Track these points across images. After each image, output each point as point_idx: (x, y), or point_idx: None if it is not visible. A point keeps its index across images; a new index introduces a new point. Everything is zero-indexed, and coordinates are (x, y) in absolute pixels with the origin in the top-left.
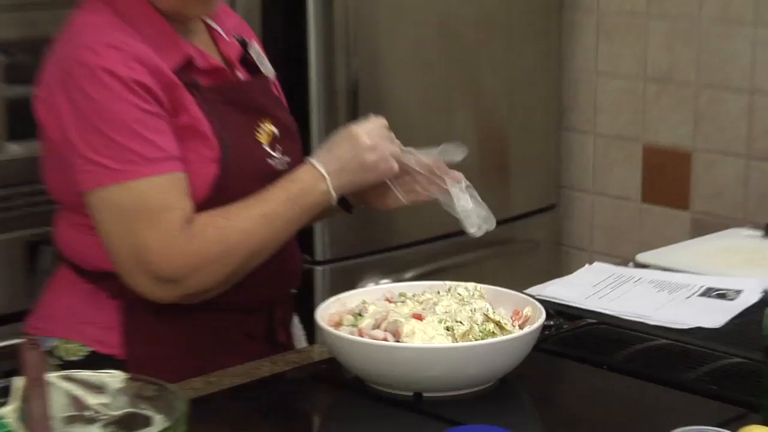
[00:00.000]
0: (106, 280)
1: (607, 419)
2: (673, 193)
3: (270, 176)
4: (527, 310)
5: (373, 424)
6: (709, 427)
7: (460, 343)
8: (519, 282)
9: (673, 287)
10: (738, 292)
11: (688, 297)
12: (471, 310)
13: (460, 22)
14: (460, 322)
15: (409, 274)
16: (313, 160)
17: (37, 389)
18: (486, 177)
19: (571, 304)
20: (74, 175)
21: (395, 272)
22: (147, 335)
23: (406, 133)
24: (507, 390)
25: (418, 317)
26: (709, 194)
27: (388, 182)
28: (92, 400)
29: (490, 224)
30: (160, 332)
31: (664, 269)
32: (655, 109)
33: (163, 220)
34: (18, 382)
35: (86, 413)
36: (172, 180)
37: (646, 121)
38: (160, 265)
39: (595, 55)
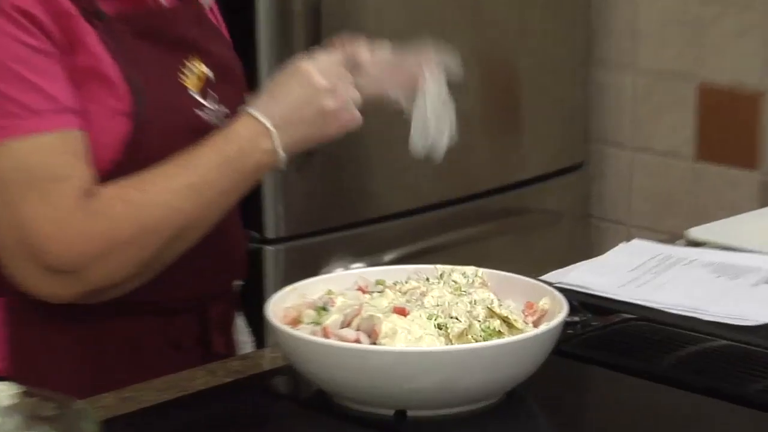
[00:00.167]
0: None
1: None
2: (737, 148)
3: (200, 133)
4: (544, 303)
5: None
6: None
7: (456, 346)
8: (534, 265)
9: (735, 272)
10: None
11: (755, 285)
12: (470, 303)
13: None
14: (456, 319)
15: (388, 256)
16: (254, 110)
17: None
18: (491, 128)
19: (602, 294)
20: None
21: (370, 253)
22: (36, 345)
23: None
24: (516, 408)
25: (401, 312)
26: None
27: None
28: None
29: (436, 154)
30: (54, 341)
31: (724, 248)
32: (714, 37)
33: (55, 192)
34: None
35: None
36: (66, 139)
37: (703, 53)
38: (52, 251)
39: None
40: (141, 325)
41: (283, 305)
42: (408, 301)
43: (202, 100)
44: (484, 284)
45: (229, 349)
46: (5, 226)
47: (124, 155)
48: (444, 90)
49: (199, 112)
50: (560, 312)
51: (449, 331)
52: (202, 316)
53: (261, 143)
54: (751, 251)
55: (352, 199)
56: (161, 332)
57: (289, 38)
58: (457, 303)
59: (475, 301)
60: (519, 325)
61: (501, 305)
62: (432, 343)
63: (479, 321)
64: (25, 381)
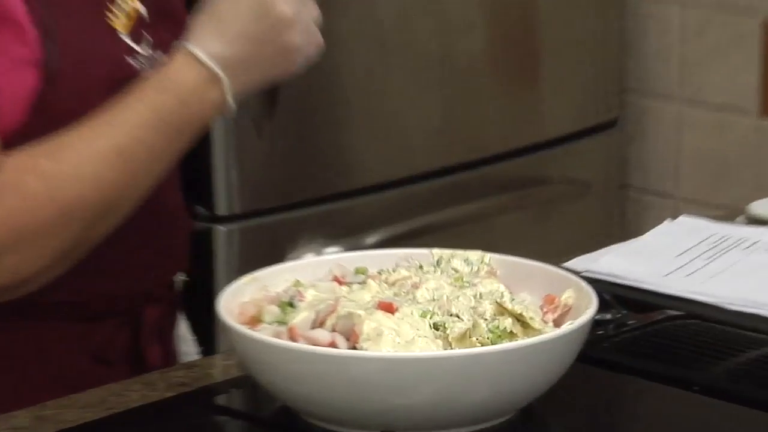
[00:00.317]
0: None
1: None
2: None
3: (129, 86)
4: (567, 296)
5: None
6: None
7: (457, 351)
8: (555, 249)
9: None
10: None
11: None
12: (475, 297)
13: None
14: (457, 317)
15: (372, 238)
16: (197, 48)
17: None
18: (502, 76)
19: (640, 285)
20: None
21: (348, 234)
22: None
23: (365, 7)
24: (532, 429)
25: (388, 308)
26: None
27: None
28: None
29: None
30: None
31: None
32: None
33: None
34: None
35: None
36: None
37: None
38: None
39: None
40: (54, 333)
41: (239, 300)
42: (396, 295)
43: (133, 45)
44: (492, 273)
45: (166, 362)
46: None
47: (32, 115)
48: None
49: (131, 60)
50: (588, 308)
51: (448, 332)
52: (132, 323)
53: (207, 93)
54: None
55: (325, 165)
56: (81, 343)
57: None
58: (458, 297)
59: (480, 294)
60: (536, 324)
61: (513, 299)
62: (426, 347)
63: (486, 319)
64: None
